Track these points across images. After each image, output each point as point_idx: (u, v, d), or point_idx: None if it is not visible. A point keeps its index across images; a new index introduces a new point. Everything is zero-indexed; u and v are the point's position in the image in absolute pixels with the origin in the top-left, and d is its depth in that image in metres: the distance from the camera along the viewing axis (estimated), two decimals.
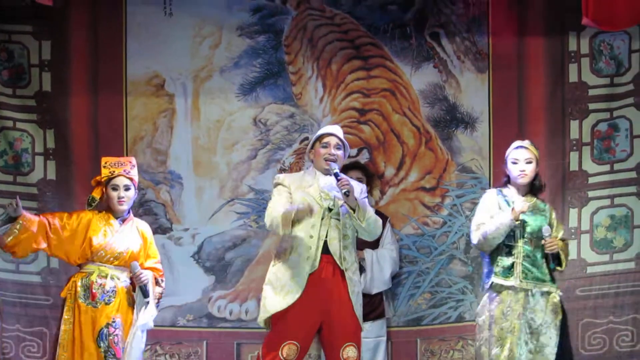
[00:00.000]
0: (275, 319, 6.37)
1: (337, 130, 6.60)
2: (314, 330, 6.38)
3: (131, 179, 6.84)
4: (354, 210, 6.29)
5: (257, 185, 8.12)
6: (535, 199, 6.94)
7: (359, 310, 6.41)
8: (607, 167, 8.05)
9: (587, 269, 8.01)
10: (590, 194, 8.06)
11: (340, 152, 6.51)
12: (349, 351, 6.34)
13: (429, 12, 8.16)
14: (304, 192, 6.42)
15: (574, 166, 8.07)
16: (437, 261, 8.09)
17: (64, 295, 6.71)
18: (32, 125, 7.99)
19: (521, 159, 6.82)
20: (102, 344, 6.59)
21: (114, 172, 6.80)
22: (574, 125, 8.08)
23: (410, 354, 8.02)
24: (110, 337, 6.60)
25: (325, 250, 6.35)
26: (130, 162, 6.92)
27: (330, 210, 6.38)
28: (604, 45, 8.04)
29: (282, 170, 8.10)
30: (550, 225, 6.82)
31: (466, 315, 8.01)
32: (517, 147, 6.89)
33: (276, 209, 6.35)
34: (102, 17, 8.04)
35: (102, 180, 6.82)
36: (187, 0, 8.09)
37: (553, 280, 6.86)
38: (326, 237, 6.35)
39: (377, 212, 7.55)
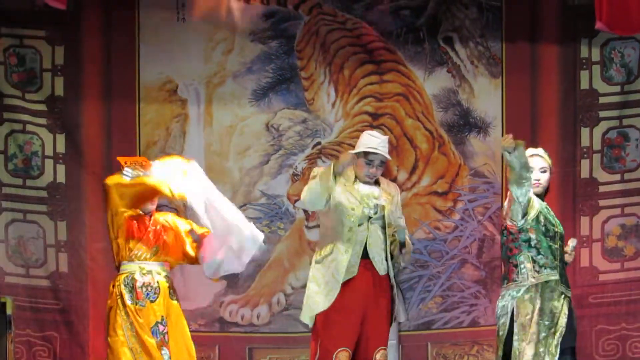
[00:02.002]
0: (323, 322, 6.28)
1: (384, 147, 6.37)
2: (358, 334, 6.32)
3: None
4: (403, 246, 6.31)
5: (269, 190, 8.11)
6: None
7: (395, 312, 6.38)
8: (617, 177, 8.07)
9: (599, 276, 8.02)
10: (601, 202, 8.07)
11: (381, 170, 6.45)
12: (382, 355, 6.33)
13: (442, 16, 8.17)
14: (347, 191, 6.38)
15: (585, 174, 8.08)
16: (449, 265, 8.10)
17: (110, 304, 6.68)
18: (42, 129, 7.98)
19: (536, 167, 6.71)
20: (156, 342, 6.61)
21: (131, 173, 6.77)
22: (585, 132, 8.09)
23: (421, 358, 8.02)
24: (162, 335, 6.60)
25: (365, 255, 6.33)
26: (148, 162, 6.89)
27: (370, 217, 6.36)
28: (615, 52, 8.06)
29: (294, 176, 8.10)
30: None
31: (480, 320, 8.01)
32: (531, 155, 6.80)
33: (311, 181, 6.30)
34: (115, 22, 8.05)
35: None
36: (200, 6, 8.09)
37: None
38: (366, 242, 6.34)
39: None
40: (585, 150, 8.08)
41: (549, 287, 6.24)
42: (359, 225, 6.28)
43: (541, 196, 6.66)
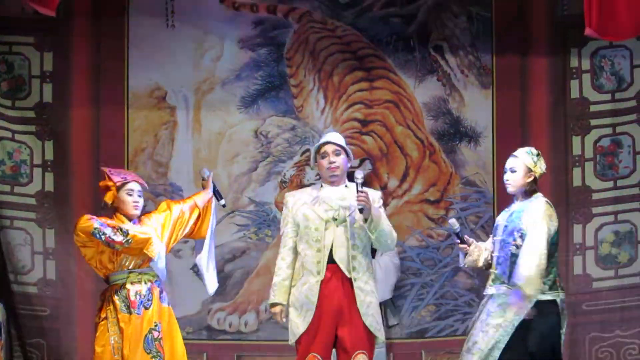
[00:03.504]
0: (299, 338, 6.33)
1: (333, 137, 6.45)
2: (332, 340, 6.30)
3: (142, 185, 6.78)
4: (366, 221, 6.24)
5: (257, 197, 8.08)
6: (522, 204, 6.69)
7: (369, 320, 6.30)
8: (610, 184, 8.03)
9: (592, 284, 7.96)
10: (594, 210, 8.03)
11: (340, 158, 6.41)
12: (360, 359, 6.28)
13: (432, 25, 8.18)
14: (307, 208, 6.37)
15: (577, 182, 8.04)
16: (442, 273, 8.04)
17: (103, 315, 6.60)
18: (30, 137, 7.96)
19: (507, 167, 6.63)
20: (149, 350, 6.53)
21: (126, 177, 6.73)
22: (576, 141, 8.07)
23: None
24: (156, 342, 6.53)
25: (331, 259, 6.29)
26: (133, 172, 6.93)
27: (335, 219, 6.33)
28: (605, 61, 8.06)
29: (282, 183, 8.07)
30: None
31: None
32: (509, 156, 6.72)
33: (279, 266, 6.36)
34: (105, 29, 8.05)
35: (116, 185, 6.71)
36: (189, 13, 8.10)
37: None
38: (332, 246, 6.29)
39: None
40: (577, 158, 8.05)
41: None
42: (325, 229, 6.25)
43: (523, 195, 6.55)
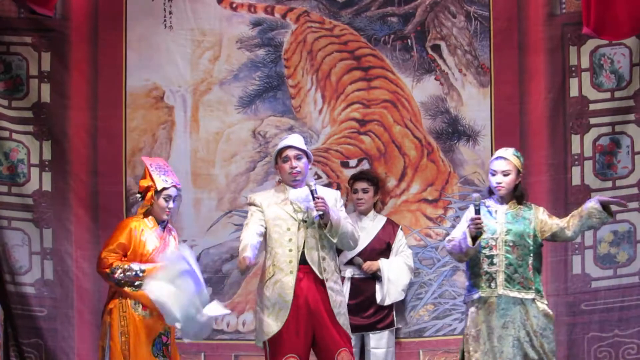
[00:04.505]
0: (272, 338, 6.37)
1: (294, 140, 6.58)
2: (309, 340, 6.39)
3: (178, 188, 6.91)
4: (326, 226, 6.28)
5: None
6: (519, 206, 6.78)
7: (342, 319, 6.39)
8: (609, 184, 8.00)
9: (591, 283, 7.93)
10: None
11: (302, 162, 6.53)
12: (344, 356, 6.32)
13: (430, 24, 8.16)
14: (277, 207, 6.42)
15: (576, 181, 8.02)
16: (440, 273, 8.03)
17: (112, 306, 6.64)
18: (27, 136, 7.96)
19: (498, 170, 6.66)
20: (157, 354, 6.54)
21: (167, 181, 6.82)
22: (575, 139, 8.04)
23: None
24: (164, 347, 6.55)
25: (303, 260, 6.34)
26: (168, 166, 7.01)
27: (305, 221, 6.37)
28: (604, 59, 8.03)
29: (279, 183, 8.06)
30: (539, 224, 6.68)
31: None
32: (496, 158, 6.74)
33: (244, 236, 6.46)
34: (103, 29, 8.05)
35: (157, 189, 6.76)
36: (187, 14, 8.10)
37: (539, 289, 6.68)
38: (304, 247, 6.33)
39: (389, 221, 7.67)
40: (576, 157, 8.02)
41: None
42: (298, 230, 6.34)
43: (516, 198, 6.59)
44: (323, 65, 8.14)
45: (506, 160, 6.61)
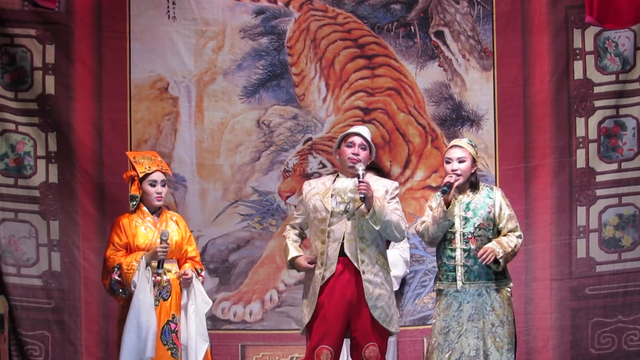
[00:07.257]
0: (309, 328, 6.42)
1: (364, 130, 6.52)
2: (343, 332, 6.39)
3: (165, 173, 6.81)
4: (368, 211, 6.26)
5: (260, 187, 8.11)
6: (477, 191, 6.64)
7: (377, 312, 6.33)
8: (614, 166, 8.00)
9: (596, 267, 7.95)
10: (598, 192, 8.00)
11: (365, 152, 6.45)
12: (371, 351, 6.35)
13: (433, 10, 8.14)
14: (318, 198, 6.41)
15: (581, 164, 8.02)
16: None
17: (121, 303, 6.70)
18: (33, 128, 7.99)
19: (454, 158, 6.61)
20: (166, 341, 6.59)
21: (150, 167, 6.74)
22: (580, 122, 8.03)
23: (417, 354, 7.97)
24: (173, 334, 6.59)
25: (342, 252, 6.34)
26: (157, 156, 6.91)
27: (346, 212, 6.36)
28: (609, 42, 8.00)
29: (285, 172, 8.11)
30: (496, 212, 6.66)
31: None
32: (450, 147, 6.70)
33: (287, 234, 6.55)
34: (106, 21, 8.05)
35: (139, 176, 6.73)
36: (190, 4, 8.10)
37: (504, 275, 6.59)
38: (343, 239, 6.34)
39: None
40: (580, 140, 8.02)
41: None
42: (336, 222, 6.32)
43: (472, 186, 6.57)
44: (327, 54, 8.14)
45: (461, 148, 6.58)
